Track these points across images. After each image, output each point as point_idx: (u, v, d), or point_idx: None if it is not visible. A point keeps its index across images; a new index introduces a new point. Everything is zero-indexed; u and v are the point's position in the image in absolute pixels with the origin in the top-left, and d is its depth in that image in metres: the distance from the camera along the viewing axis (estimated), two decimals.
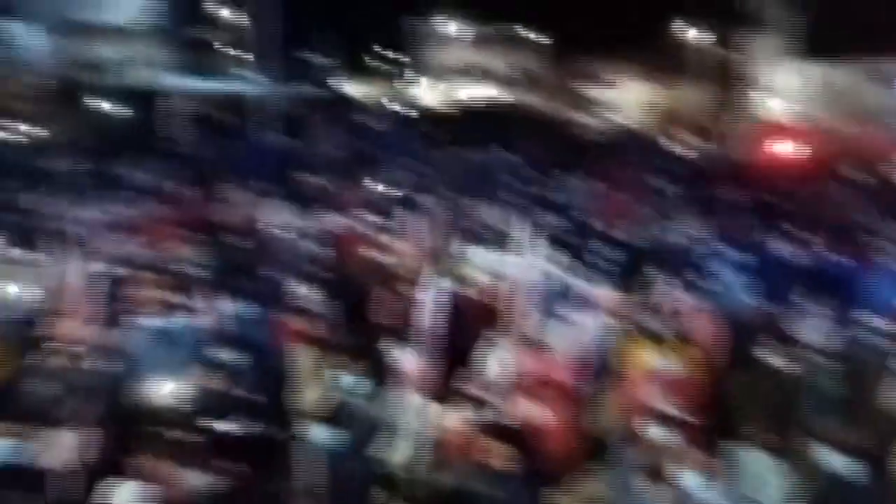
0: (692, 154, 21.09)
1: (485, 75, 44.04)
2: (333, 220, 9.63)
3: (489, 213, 10.01)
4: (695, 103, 30.26)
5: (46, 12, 50.87)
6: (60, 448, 4.74)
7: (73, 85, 31.28)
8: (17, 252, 7.51)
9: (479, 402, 4.71)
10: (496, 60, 45.07)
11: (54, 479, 4.63)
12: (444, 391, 5.08)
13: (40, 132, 17.29)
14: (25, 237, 8.18)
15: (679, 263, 7.31)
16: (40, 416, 4.92)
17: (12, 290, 6.62)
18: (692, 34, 31.61)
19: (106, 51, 50.41)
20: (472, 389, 4.89)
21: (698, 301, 6.44)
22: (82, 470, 4.68)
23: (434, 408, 4.92)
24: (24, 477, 4.56)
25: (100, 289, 6.28)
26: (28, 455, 4.63)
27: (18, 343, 5.90)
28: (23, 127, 16.92)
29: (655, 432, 4.55)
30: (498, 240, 7.95)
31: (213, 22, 57.11)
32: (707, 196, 11.81)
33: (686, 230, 9.25)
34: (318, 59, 50.41)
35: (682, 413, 4.80)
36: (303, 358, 5.58)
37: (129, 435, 4.82)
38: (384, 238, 8.57)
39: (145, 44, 53.43)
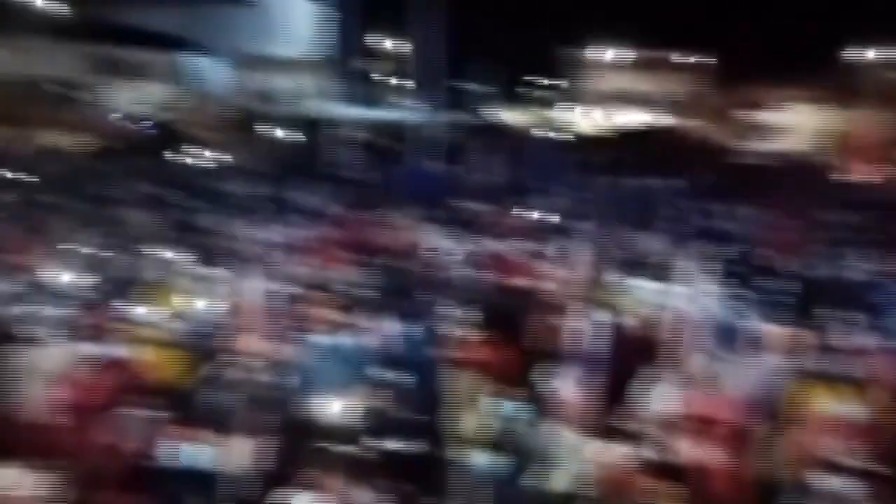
0: (868, 182, 19.53)
1: (642, 100, 43.13)
2: (490, 246, 9.75)
3: (649, 243, 9.76)
4: (871, 128, 28.07)
5: (228, 48, 55.34)
6: (237, 455, 5.06)
7: (250, 114, 33.83)
8: (201, 269, 8.13)
9: (639, 440, 4.57)
10: (654, 85, 44.04)
11: (231, 484, 4.94)
12: (602, 425, 4.98)
13: (222, 158, 18.78)
14: (208, 255, 8.90)
15: (856, 299, 6.79)
16: (219, 424, 5.28)
17: (197, 304, 7.15)
18: (869, 55, 29.43)
19: (280, 82, 54.12)
20: (633, 425, 4.76)
21: (879, 340, 5.93)
22: (256, 477, 4.97)
23: (593, 442, 4.83)
24: (203, 480, 4.85)
25: (275, 306, 6.69)
26: (208, 460, 4.94)
27: (201, 354, 6.40)
28: (207, 153, 18.46)
29: (835, 483, 4.22)
30: (659, 271, 7.72)
31: (377, 53, 59.83)
32: (885, 227, 10.90)
33: (863, 264, 8.58)
34: (475, 88, 51.45)
35: (865, 463, 4.43)
36: (463, 382, 5.66)
37: (299, 447, 5.09)
38: (540, 265, 8.57)
39: (315, 75, 56.83)
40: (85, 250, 8.92)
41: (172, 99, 46.53)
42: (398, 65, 59.99)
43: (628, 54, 44.54)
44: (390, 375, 5.39)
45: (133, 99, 42.11)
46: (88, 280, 7.92)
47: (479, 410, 5.28)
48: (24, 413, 5.54)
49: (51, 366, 5.64)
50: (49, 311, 6.48)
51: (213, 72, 56.43)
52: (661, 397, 5.20)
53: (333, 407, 4.95)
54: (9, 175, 14.62)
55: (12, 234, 9.83)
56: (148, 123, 28.10)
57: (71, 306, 6.86)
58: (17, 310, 6.73)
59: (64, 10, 36.66)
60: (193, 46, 56.05)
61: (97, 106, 38.77)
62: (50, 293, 7.25)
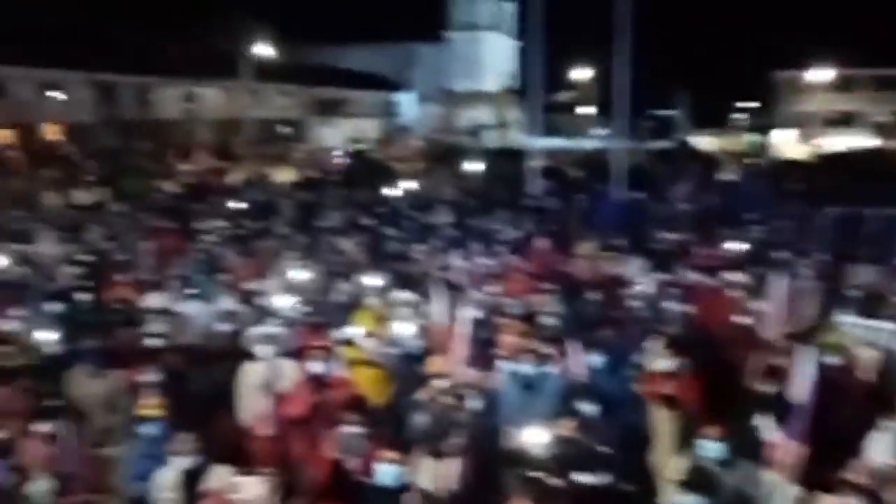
0: None
1: (850, 123, 39.69)
2: (690, 278, 9.39)
3: (867, 276, 8.95)
4: None
5: (427, 84, 57.81)
6: (434, 476, 5.23)
7: (449, 146, 35.21)
8: (404, 295, 8.53)
9: (867, 494, 4.18)
10: (863, 106, 40.35)
11: None
12: (820, 476, 4.61)
13: (423, 189, 19.65)
14: (411, 282, 9.33)
15: None
16: (420, 445, 5.49)
17: (399, 328, 7.51)
18: None
19: (475, 115, 55.68)
20: (858, 478, 4.37)
21: None
22: (451, 500, 5.11)
23: (810, 494, 4.48)
24: (399, 499, 5.02)
25: (473, 333, 6.88)
26: (407, 479, 5.13)
27: (405, 377, 6.72)
28: (409, 184, 19.40)
29: None
30: (879, 307, 7.05)
31: (570, 85, 59.85)
32: None
33: None
34: (668, 114, 49.89)
35: None
36: (664, 420, 5.49)
37: (496, 474, 5.19)
38: (746, 299, 8.13)
39: (508, 107, 57.84)
40: (301, 275, 9.68)
41: (378, 134, 49.55)
42: (587, 93, 59.78)
43: (834, 75, 41.20)
44: (587, 408, 5.34)
45: (343, 135, 45.36)
46: (304, 302, 8.60)
47: (682, 449, 5.09)
48: (251, 424, 6.11)
49: (274, 382, 6.17)
50: (270, 330, 7.07)
51: (414, 107, 59.49)
52: (890, 446, 4.74)
53: (531, 436, 4.99)
54: (246, 206, 16.23)
55: (238, 260, 10.87)
56: (356, 157, 30.06)
57: (290, 327, 7.47)
58: (242, 329, 7.45)
59: (282, 56, 40.25)
60: (396, 84, 59.51)
61: (312, 142, 42.15)
62: (271, 314, 7.92)
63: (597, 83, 57.68)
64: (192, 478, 4.93)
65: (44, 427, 5.27)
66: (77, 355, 6.84)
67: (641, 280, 9.24)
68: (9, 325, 7.72)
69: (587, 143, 43.02)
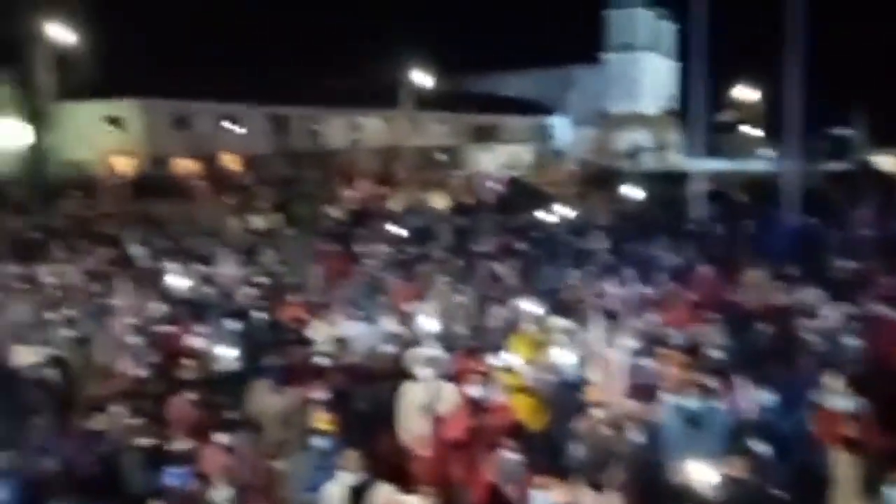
0: None
1: None
2: (870, 309, 8.67)
3: None
4: None
5: (582, 107, 57.40)
6: None
7: (605, 170, 34.73)
8: (560, 322, 8.46)
9: None
10: None
11: None
12: None
13: (578, 214, 19.44)
14: (566, 308, 9.24)
15: None
16: (577, 475, 5.40)
17: (556, 355, 7.45)
18: None
19: (633, 137, 54.56)
20: None
21: None
22: None
23: None
24: None
25: (635, 363, 6.72)
26: None
27: (559, 404, 6.65)
28: (564, 209, 19.26)
29: None
30: None
31: (734, 104, 57.34)
32: None
33: None
34: (847, 133, 46.39)
35: None
36: (845, 464, 5.09)
37: None
38: None
39: (667, 129, 56.22)
40: (458, 299, 9.87)
41: (532, 159, 49.73)
42: (752, 112, 56.88)
43: None
44: (753, 446, 5.04)
45: (498, 160, 45.95)
46: (461, 326, 8.76)
47: (866, 497, 4.68)
48: (411, 444, 6.28)
49: (433, 403, 6.32)
50: (430, 352, 7.25)
51: (568, 131, 59.22)
52: None
53: (698, 473, 4.77)
54: (406, 231, 16.81)
55: (399, 283, 11.24)
56: (511, 182, 30.31)
57: (448, 350, 7.62)
58: (403, 350, 7.68)
59: (441, 85, 41.49)
60: (551, 108, 59.55)
61: (468, 168, 43.01)
62: (430, 337, 8.12)
63: (763, 101, 54.87)
64: (357, 493, 5.13)
65: (223, 437, 5.67)
66: (254, 371, 7.35)
67: (818, 311, 8.63)
68: (193, 341, 8.41)
69: (754, 166, 40.91)
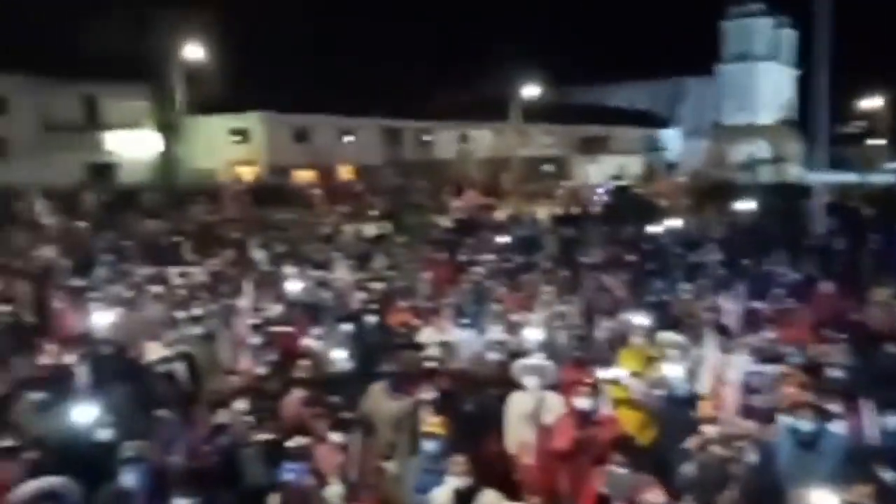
0: None
1: None
2: None
3: None
4: None
5: (694, 118, 55.83)
6: None
7: (717, 182, 33.60)
8: (670, 336, 8.28)
9: None
10: None
11: None
12: None
13: (689, 226, 18.94)
14: (677, 322, 9.05)
15: None
16: (687, 494, 5.29)
17: (666, 370, 7.30)
18: None
19: (747, 149, 52.55)
20: None
21: None
22: None
23: None
24: None
25: (747, 380, 6.51)
26: None
27: (669, 420, 6.52)
28: (674, 221, 18.82)
29: None
30: None
31: (859, 114, 54.19)
32: None
33: None
34: None
35: None
36: None
37: None
38: None
39: (783, 140, 53.80)
40: (565, 310, 9.83)
41: (641, 170, 48.79)
42: (878, 123, 53.51)
43: None
44: (887, 474, 4.79)
45: (606, 171, 45.35)
46: (569, 337, 8.72)
47: None
48: (517, 453, 6.32)
49: (540, 413, 6.35)
50: (537, 362, 7.27)
51: (679, 142, 57.70)
52: None
53: (819, 500, 4.58)
54: (512, 241, 16.90)
55: (505, 292, 11.30)
56: (619, 193, 29.81)
57: (555, 360, 7.62)
58: (510, 358, 7.73)
59: (549, 97, 41.45)
60: (662, 119, 58.23)
61: (575, 179, 42.67)
62: (536, 346, 8.14)
63: (890, 111, 51.67)
64: (463, 498, 5.22)
65: (337, 436, 5.89)
66: (366, 373, 7.60)
67: None
68: (308, 342, 8.78)
69: (880, 178, 38.58)
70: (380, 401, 6.81)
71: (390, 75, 43.70)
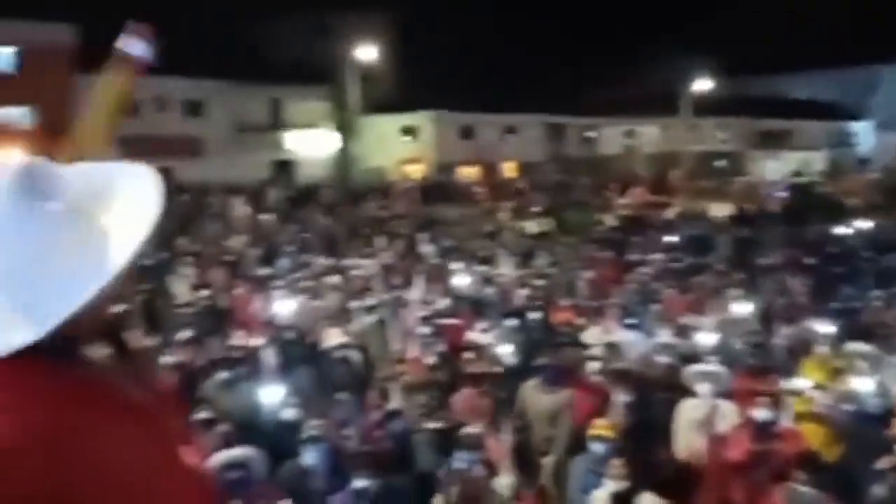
0: None
1: None
2: None
3: None
4: None
5: (889, 110, 50.97)
6: None
7: None
8: (859, 346, 7.68)
9: None
10: None
11: None
12: None
13: (881, 228, 17.40)
14: (866, 332, 8.37)
15: None
16: None
17: (855, 384, 6.78)
18: None
19: None
20: None
21: None
22: None
23: None
24: None
25: None
26: None
27: (857, 437, 6.05)
28: (861, 222, 17.35)
29: None
30: None
31: None
32: None
33: None
34: None
35: None
36: None
37: None
38: None
39: None
40: (741, 314, 9.38)
41: (826, 166, 45.28)
42: None
43: None
44: None
45: (786, 167, 42.52)
46: (744, 344, 8.31)
47: None
48: (686, 460, 6.12)
49: (712, 422, 6.10)
50: (710, 368, 6.98)
51: (871, 136, 52.87)
52: None
53: None
54: (682, 240, 16.33)
55: (673, 293, 10.93)
56: (800, 191, 27.89)
57: (729, 367, 7.28)
58: (678, 362, 7.48)
59: (723, 89, 39.51)
60: (851, 112, 53.59)
61: (752, 175, 40.38)
62: (709, 351, 7.83)
63: None
64: (620, 502, 5.13)
65: (506, 428, 5.98)
66: (528, 369, 7.65)
67: None
68: (474, 336, 8.95)
69: None
70: (534, 395, 6.86)
71: (554, 71, 43.50)
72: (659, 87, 40.03)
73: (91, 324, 1.31)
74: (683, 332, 8.67)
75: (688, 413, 6.34)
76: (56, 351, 1.24)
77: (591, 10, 59.61)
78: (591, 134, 44.67)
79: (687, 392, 6.60)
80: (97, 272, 1.23)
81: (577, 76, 44.27)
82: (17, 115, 26.42)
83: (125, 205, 1.30)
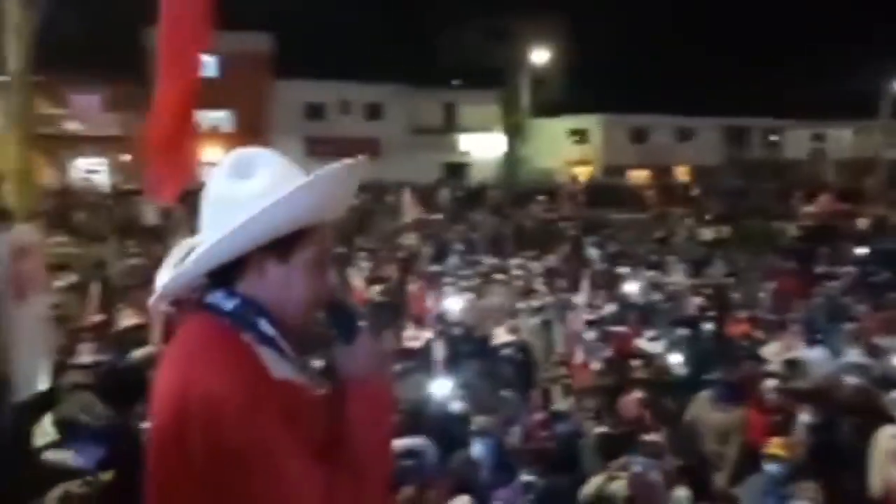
0: None
1: None
2: None
3: None
4: None
5: None
6: None
7: None
8: None
9: None
10: None
11: None
12: None
13: None
14: None
15: None
16: None
17: None
18: None
19: None
20: None
21: None
22: None
23: None
24: None
25: None
26: None
27: None
28: None
29: None
30: None
31: None
32: None
33: None
34: None
35: None
36: None
37: None
38: None
39: None
40: None
41: None
42: None
43: None
44: None
45: None
46: None
47: None
48: (880, 493, 5.63)
49: None
50: None
51: None
52: None
53: None
54: (876, 253, 15.01)
55: (866, 310, 10.08)
56: None
57: None
58: (871, 385, 6.90)
59: None
60: None
61: None
62: None
63: None
64: None
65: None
66: (699, 380, 7.37)
67: None
68: (642, 343, 8.75)
69: None
70: (706, 410, 6.59)
71: (734, 71, 41.35)
72: (854, 87, 36.88)
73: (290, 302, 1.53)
74: (877, 352, 8.00)
75: (887, 442, 5.81)
76: (246, 321, 1.49)
77: (776, 4, 55.85)
78: (774, 137, 42.02)
79: (882, 418, 6.08)
80: (264, 227, 1.46)
81: (760, 76, 41.78)
82: (220, 117, 29.02)
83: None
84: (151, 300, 1.63)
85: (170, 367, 1.48)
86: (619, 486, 5.17)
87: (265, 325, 1.50)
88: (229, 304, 1.50)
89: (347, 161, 1.52)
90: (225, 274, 1.52)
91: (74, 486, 2.13)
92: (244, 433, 1.36)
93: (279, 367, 1.49)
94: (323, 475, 1.43)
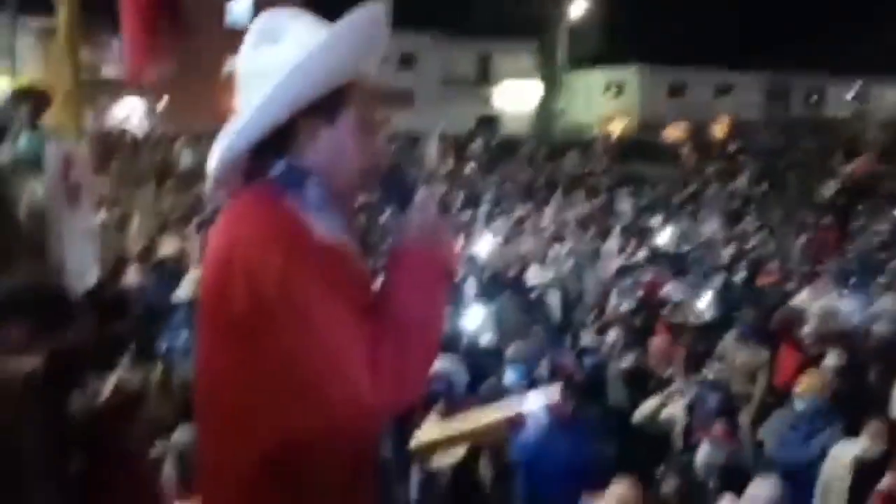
0: None
1: None
2: None
3: None
4: None
5: None
6: None
7: None
8: None
9: None
10: None
11: None
12: None
13: None
14: None
15: None
16: None
17: None
18: None
19: None
20: None
21: None
22: None
23: None
24: None
25: None
26: None
27: None
28: None
29: None
30: None
31: None
32: None
33: None
34: None
35: None
36: None
37: None
38: None
39: None
40: None
41: None
42: None
43: None
44: None
45: None
46: None
47: None
48: None
49: None
50: None
51: None
52: None
53: None
54: None
55: None
56: None
57: None
58: None
59: None
60: None
61: None
62: None
63: None
64: (875, 466, 4.80)
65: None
66: (729, 324, 7.43)
67: None
68: (672, 291, 8.79)
69: None
70: (734, 348, 6.66)
71: (776, 25, 40.07)
72: None
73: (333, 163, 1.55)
74: None
75: None
76: (292, 185, 1.52)
77: None
78: (817, 95, 40.90)
79: None
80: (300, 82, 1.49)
81: (805, 31, 40.47)
82: None
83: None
84: (207, 188, 1.70)
85: (218, 231, 1.52)
86: (676, 409, 5.27)
87: (312, 189, 1.52)
88: (276, 171, 1.53)
89: (366, 7, 1.55)
90: (275, 146, 1.53)
91: (127, 377, 2.24)
92: (284, 291, 1.37)
93: (325, 231, 1.50)
94: (365, 339, 1.42)
